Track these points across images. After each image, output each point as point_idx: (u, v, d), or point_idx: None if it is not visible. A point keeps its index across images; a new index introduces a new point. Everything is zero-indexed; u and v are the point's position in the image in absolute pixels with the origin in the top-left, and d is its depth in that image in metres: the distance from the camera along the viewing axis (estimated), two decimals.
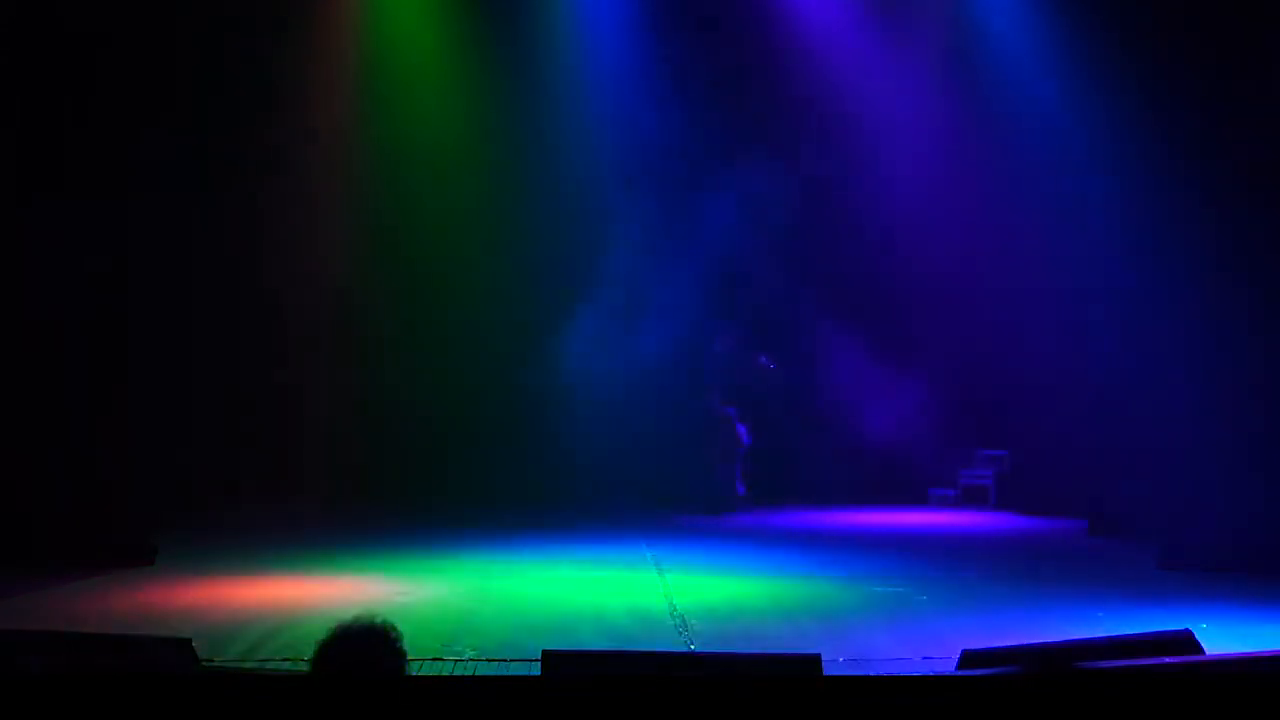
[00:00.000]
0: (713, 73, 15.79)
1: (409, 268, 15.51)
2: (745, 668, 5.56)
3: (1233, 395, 11.00)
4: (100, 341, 10.73)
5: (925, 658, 7.15)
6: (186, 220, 13.50)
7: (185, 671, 5.19)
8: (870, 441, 15.51)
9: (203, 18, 13.37)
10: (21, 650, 5.13)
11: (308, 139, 14.18)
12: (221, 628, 7.73)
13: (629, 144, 15.60)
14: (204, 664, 6.04)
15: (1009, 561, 11.47)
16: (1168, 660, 5.31)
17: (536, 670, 5.56)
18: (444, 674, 6.65)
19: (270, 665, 6.92)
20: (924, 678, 5.35)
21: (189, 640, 5.71)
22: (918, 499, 15.84)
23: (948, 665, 6.26)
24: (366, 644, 3.64)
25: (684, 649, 7.52)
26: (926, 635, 7.87)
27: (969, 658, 5.67)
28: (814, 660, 5.26)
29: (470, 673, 6.80)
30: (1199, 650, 5.67)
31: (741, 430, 15.10)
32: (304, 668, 4.12)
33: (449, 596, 9.11)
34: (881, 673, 6.60)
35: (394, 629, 3.68)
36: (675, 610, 8.60)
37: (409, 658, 3.77)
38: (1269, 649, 6.72)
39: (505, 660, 7.11)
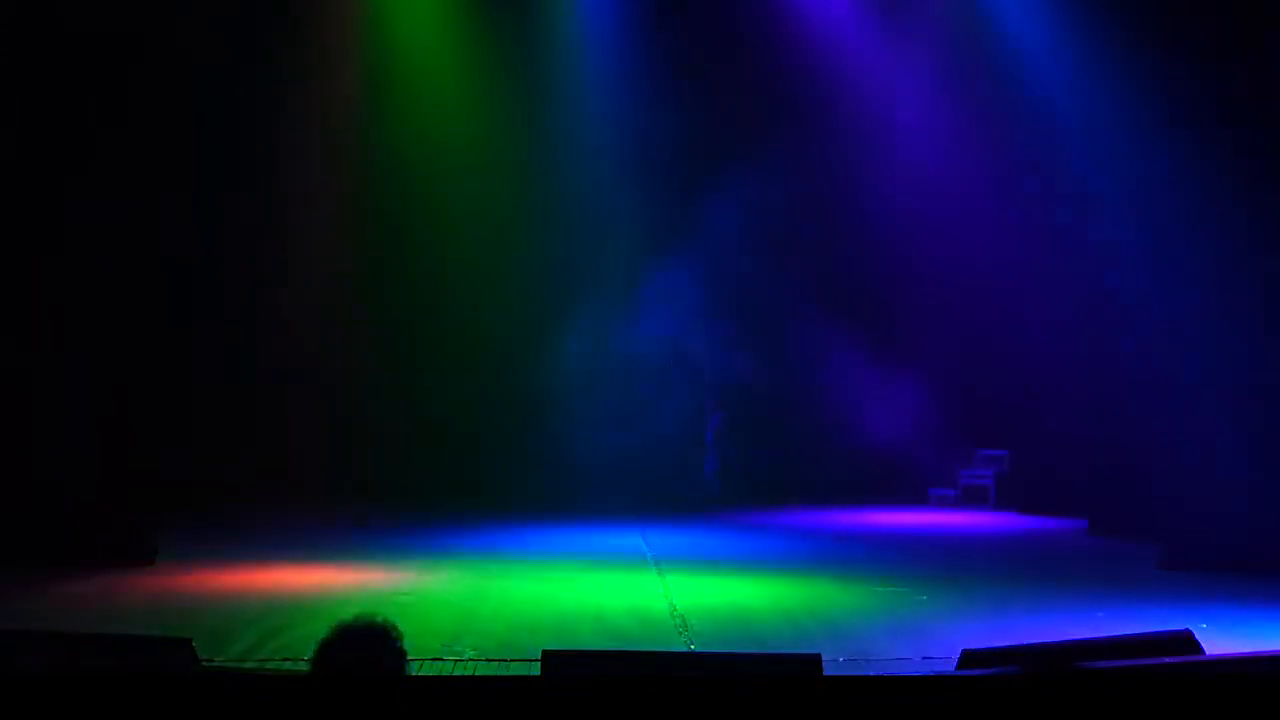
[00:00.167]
0: (713, 72, 15.79)
1: (411, 267, 15.51)
2: (745, 668, 5.56)
3: (1233, 395, 10.99)
4: (100, 341, 10.73)
5: (925, 658, 7.15)
6: (186, 220, 13.51)
7: (185, 671, 5.19)
8: (870, 441, 15.52)
9: (208, 17, 13.37)
10: (21, 650, 5.13)
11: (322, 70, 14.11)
12: (221, 628, 7.73)
13: (630, 143, 15.62)
14: (204, 664, 6.04)
15: (1009, 561, 11.47)
16: (1167, 660, 5.31)
17: (536, 670, 5.56)
18: (444, 674, 6.65)
19: (270, 665, 6.92)
20: (924, 678, 5.35)
21: (189, 640, 5.71)
22: (918, 499, 15.84)
23: (948, 665, 6.26)
24: (366, 644, 3.63)
25: (684, 649, 7.51)
26: (926, 635, 7.87)
27: (969, 658, 5.67)
28: (814, 660, 5.26)
29: (470, 673, 6.80)
30: (1199, 650, 5.67)
31: (715, 423, 15.06)
32: (304, 668, 4.12)
33: (449, 596, 9.11)
34: (881, 673, 6.60)
35: (394, 629, 3.68)
36: (675, 610, 8.60)
37: (409, 658, 3.76)
38: (1269, 649, 6.72)
39: (505, 660, 7.11)
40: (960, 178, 15.29)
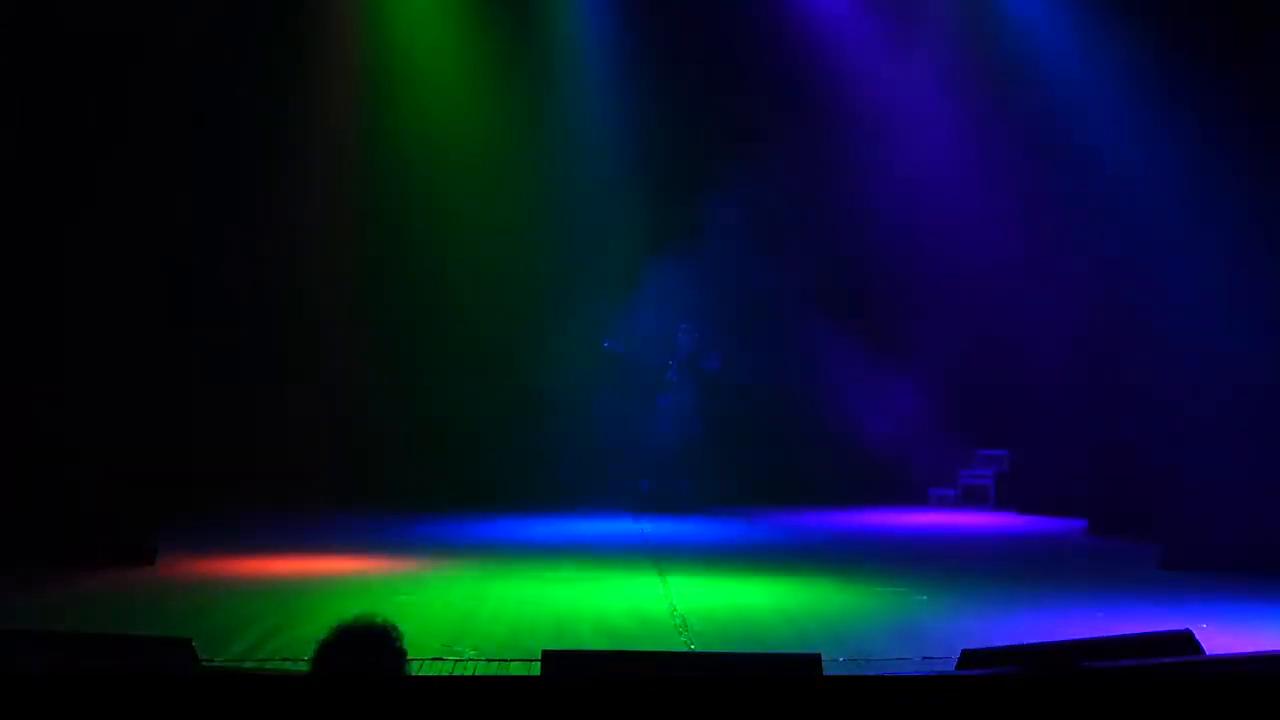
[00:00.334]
0: (713, 70, 15.79)
1: (411, 266, 15.52)
2: (745, 668, 5.55)
3: (1234, 394, 10.98)
4: (100, 341, 10.72)
5: (925, 658, 7.15)
6: (187, 220, 13.51)
7: (185, 671, 5.18)
8: (870, 441, 15.52)
9: (208, 17, 13.37)
10: (21, 650, 5.12)
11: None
12: (221, 628, 7.73)
13: (630, 142, 15.62)
14: (204, 664, 6.04)
15: (1009, 561, 11.48)
16: (1167, 660, 5.30)
17: (536, 670, 5.55)
18: (444, 674, 6.64)
19: (270, 665, 6.92)
20: (924, 678, 5.34)
21: (189, 640, 5.71)
22: (918, 499, 15.85)
23: (948, 665, 6.26)
24: (366, 644, 3.64)
25: (684, 649, 7.51)
26: (926, 635, 7.86)
27: (969, 658, 5.66)
28: (814, 660, 5.25)
29: (470, 673, 6.80)
30: (1199, 650, 5.66)
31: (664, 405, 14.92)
32: (304, 668, 4.12)
33: (449, 596, 9.11)
34: (881, 673, 6.60)
35: (394, 629, 3.68)
36: (675, 610, 8.60)
37: (409, 658, 3.77)
38: (1269, 649, 6.71)
39: (505, 660, 7.11)
40: (961, 176, 15.28)
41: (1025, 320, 14.78)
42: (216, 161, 14.24)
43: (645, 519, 14.25)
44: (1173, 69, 11.55)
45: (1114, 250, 12.99)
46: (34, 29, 10.49)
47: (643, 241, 15.62)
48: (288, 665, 6.84)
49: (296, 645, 7.13)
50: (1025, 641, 6.48)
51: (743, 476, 15.48)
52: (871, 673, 6.61)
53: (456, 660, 7.09)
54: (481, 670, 6.92)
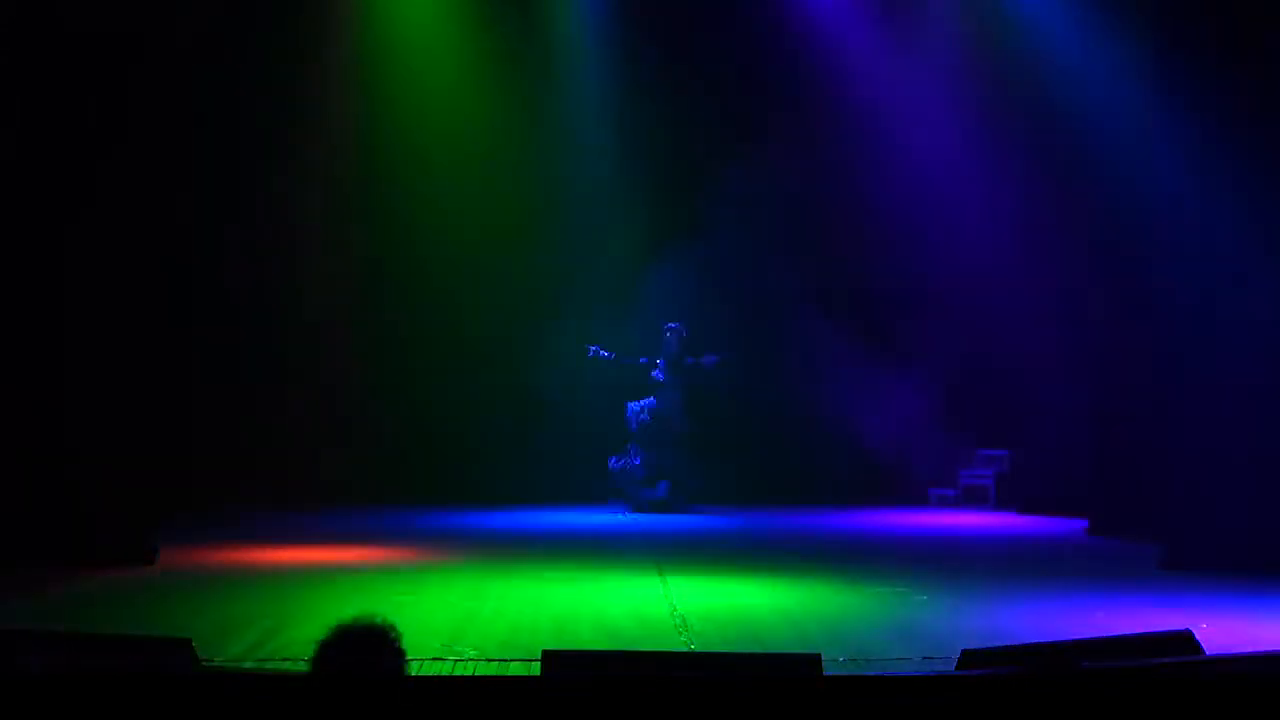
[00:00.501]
0: (712, 68, 15.78)
1: (409, 266, 15.53)
2: (745, 668, 5.55)
3: (1233, 394, 10.98)
4: (100, 340, 10.72)
5: (925, 658, 7.15)
6: (187, 220, 13.51)
7: (185, 671, 5.18)
8: (870, 441, 15.52)
9: (207, 17, 13.37)
10: (21, 650, 5.12)
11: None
12: (221, 628, 7.73)
13: (629, 141, 15.62)
14: (204, 664, 6.04)
15: (1009, 561, 11.47)
16: (1167, 660, 5.30)
17: (536, 670, 5.55)
18: (444, 674, 6.64)
19: (270, 665, 6.92)
20: (924, 677, 5.34)
21: (189, 640, 5.71)
22: (918, 499, 15.85)
23: (948, 665, 6.26)
24: (366, 644, 3.64)
25: (684, 649, 7.51)
26: (926, 635, 7.86)
27: (969, 658, 5.66)
28: (814, 660, 5.25)
29: (470, 673, 6.80)
30: (1199, 650, 5.66)
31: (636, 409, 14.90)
32: (304, 668, 4.12)
33: (449, 596, 9.11)
34: (881, 673, 6.60)
35: (394, 629, 3.68)
36: (675, 610, 8.60)
37: (409, 658, 3.77)
38: (1269, 649, 6.72)
39: (505, 660, 7.11)
40: (962, 176, 15.29)
41: (1025, 320, 14.78)
42: (216, 161, 14.24)
43: (632, 516, 14.36)
44: (1173, 69, 11.54)
45: (1114, 250, 12.99)
46: (34, 29, 10.49)
47: (642, 241, 15.62)
48: (288, 665, 6.84)
49: (296, 645, 7.12)
50: (1025, 641, 6.48)
51: (742, 476, 15.48)
52: (871, 673, 6.61)
53: (456, 660, 7.09)
54: (481, 670, 6.92)
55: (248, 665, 6.90)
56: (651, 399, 14.82)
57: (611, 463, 14.89)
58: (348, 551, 11.37)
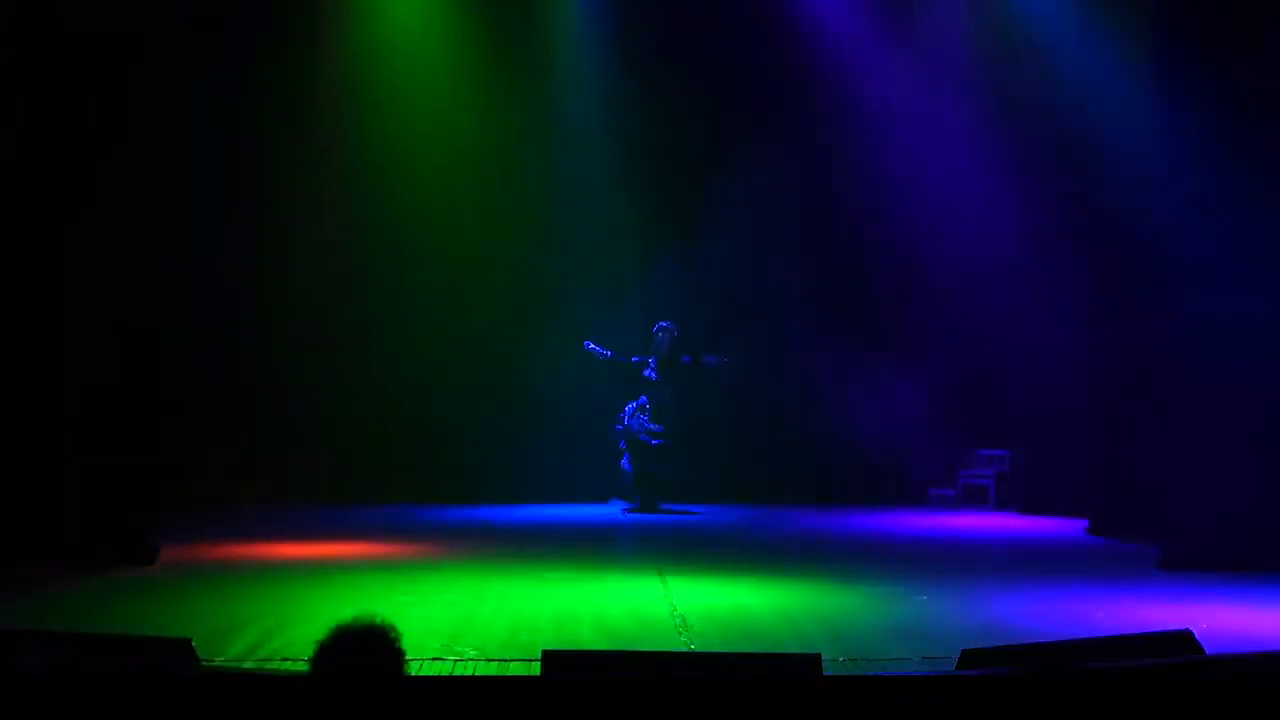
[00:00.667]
0: (710, 67, 15.77)
1: (406, 265, 15.53)
2: (745, 668, 5.55)
3: (1233, 394, 10.98)
4: (100, 340, 10.71)
5: (925, 658, 7.15)
6: (187, 220, 13.51)
7: (185, 671, 5.19)
8: (870, 441, 15.52)
9: (207, 17, 13.38)
10: (21, 650, 5.12)
11: None
12: (221, 628, 7.73)
13: (627, 140, 15.62)
14: (204, 664, 6.04)
15: (1009, 561, 11.47)
16: (1168, 660, 5.31)
17: (536, 670, 5.55)
18: (444, 674, 6.64)
19: (270, 665, 6.92)
20: (924, 677, 5.34)
21: (189, 640, 5.71)
22: (918, 499, 15.85)
23: (948, 665, 6.26)
24: (366, 644, 3.64)
25: (684, 649, 7.51)
26: (926, 635, 7.86)
27: (969, 658, 5.66)
28: (814, 660, 5.25)
29: (470, 673, 6.80)
30: (1199, 650, 5.66)
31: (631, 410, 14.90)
32: (304, 668, 4.12)
33: (449, 596, 9.11)
34: (881, 673, 6.60)
35: (394, 629, 3.68)
36: (675, 610, 8.60)
37: (409, 658, 3.77)
38: (1269, 649, 6.72)
39: (505, 660, 7.11)
40: (962, 175, 15.29)
41: (1025, 320, 14.78)
42: (216, 161, 14.24)
43: (632, 516, 14.40)
44: (1176, 69, 11.53)
45: (1115, 250, 12.98)
46: (34, 29, 10.48)
47: (641, 240, 15.62)
48: (288, 665, 6.84)
49: (296, 645, 7.12)
50: (1025, 641, 6.48)
51: (740, 476, 15.49)
52: (871, 673, 6.60)
53: (456, 660, 7.09)
54: (481, 670, 6.91)
55: (248, 665, 6.90)
56: (644, 398, 14.82)
57: (619, 462, 14.90)
58: (348, 549, 11.40)
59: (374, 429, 15.27)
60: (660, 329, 14.85)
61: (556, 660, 5.14)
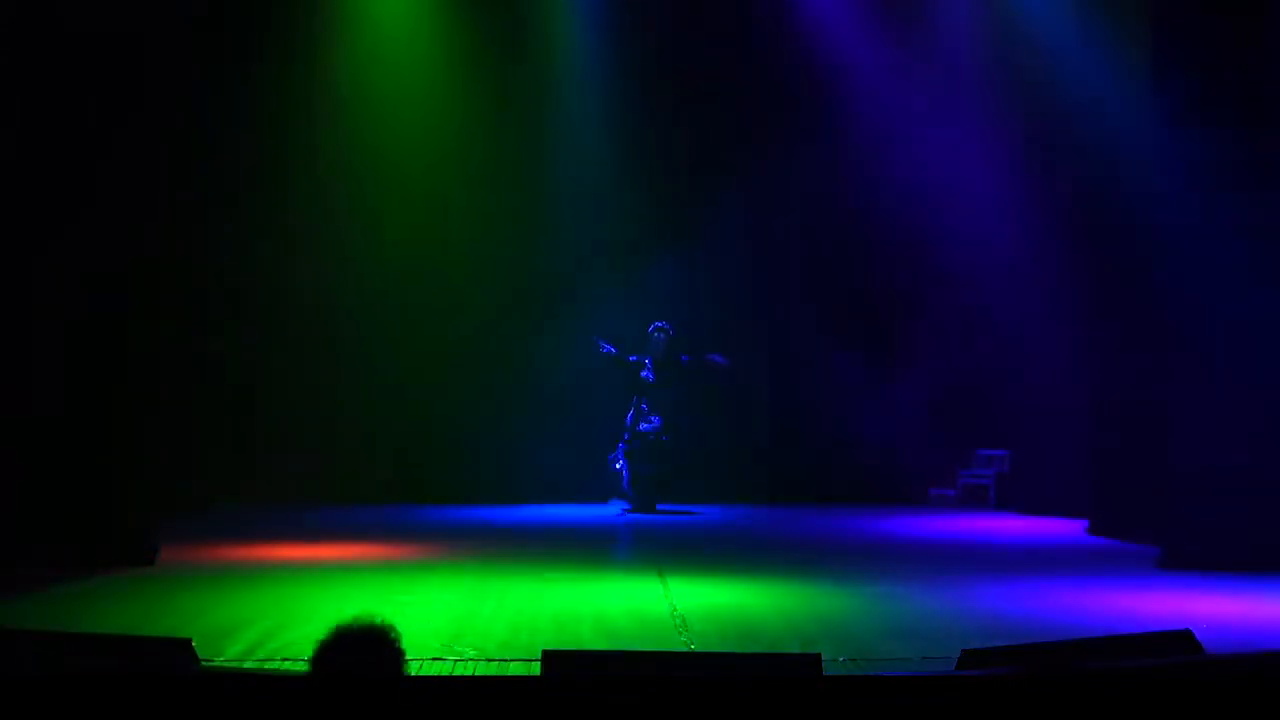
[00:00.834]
0: (712, 70, 15.77)
1: (403, 265, 15.54)
2: (745, 668, 5.55)
3: (1233, 394, 10.98)
4: (100, 341, 10.71)
5: (925, 658, 7.15)
6: (187, 220, 13.51)
7: (185, 671, 5.19)
8: (870, 441, 15.52)
9: (184, 22, 13.39)
10: (21, 650, 5.12)
11: None
12: (221, 628, 7.73)
13: (627, 145, 15.62)
14: (204, 664, 6.04)
15: (1009, 561, 11.47)
16: (1168, 660, 5.31)
17: (536, 670, 5.55)
18: (444, 674, 6.64)
19: (270, 665, 6.92)
20: (924, 677, 5.34)
21: (189, 640, 5.71)
22: (918, 499, 15.85)
23: (948, 665, 6.26)
24: (366, 644, 3.64)
25: (684, 649, 7.51)
26: (926, 635, 7.86)
27: (969, 658, 5.66)
28: (814, 660, 5.25)
29: (470, 673, 6.80)
30: (1199, 650, 5.66)
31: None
32: (304, 668, 4.13)
33: (449, 596, 9.11)
34: (881, 673, 6.59)
35: (393, 629, 3.68)
36: (675, 610, 8.60)
37: (409, 658, 3.77)
38: (1269, 649, 6.72)
39: (505, 660, 7.11)
40: (962, 176, 15.29)
41: (1025, 320, 14.78)
42: (216, 161, 14.25)
43: (625, 511, 14.43)
44: (1174, 70, 11.52)
45: (1115, 250, 12.98)
46: (34, 29, 10.48)
47: (641, 242, 15.63)
48: (288, 665, 6.84)
49: (296, 645, 7.12)
50: (1025, 641, 6.48)
51: (740, 476, 15.50)
52: (871, 673, 6.60)
53: (456, 660, 7.09)
54: (481, 670, 6.91)
55: (248, 665, 6.90)
56: (643, 404, 14.83)
57: (614, 460, 14.91)
58: (348, 549, 11.41)
59: (374, 429, 15.28)
60: (656, 329, 14.86)
61: (556, 660, 5.14)
